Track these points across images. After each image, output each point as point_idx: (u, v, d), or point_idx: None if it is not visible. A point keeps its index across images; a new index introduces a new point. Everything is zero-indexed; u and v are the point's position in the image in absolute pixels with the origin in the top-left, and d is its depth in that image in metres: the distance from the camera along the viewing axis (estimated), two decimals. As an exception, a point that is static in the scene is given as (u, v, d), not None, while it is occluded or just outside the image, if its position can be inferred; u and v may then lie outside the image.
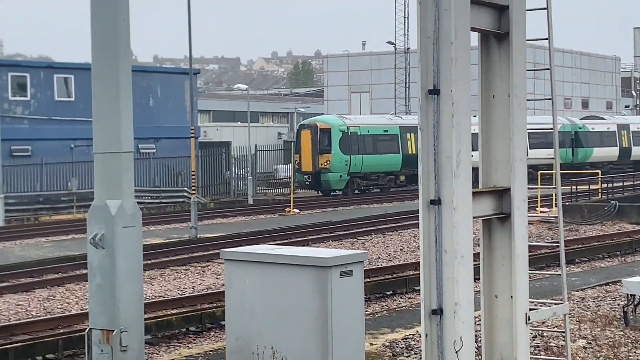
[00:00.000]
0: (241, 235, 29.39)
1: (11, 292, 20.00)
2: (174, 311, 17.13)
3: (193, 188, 32.20)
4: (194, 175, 32.41)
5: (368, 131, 49.39)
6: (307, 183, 49.05)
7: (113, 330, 9.59)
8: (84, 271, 20.24)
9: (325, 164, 47.50)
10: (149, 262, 22.77)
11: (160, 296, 19.41)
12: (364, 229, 31.24)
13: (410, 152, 50.20)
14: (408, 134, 50.67)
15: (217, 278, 21.57)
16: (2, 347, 13.65)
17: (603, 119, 67.59)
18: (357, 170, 48.53)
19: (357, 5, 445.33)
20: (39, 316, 17.35)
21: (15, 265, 23.51)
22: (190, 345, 14.80)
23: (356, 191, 49.47)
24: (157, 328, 15.19)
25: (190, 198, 33.29)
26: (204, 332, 15.61)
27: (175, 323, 15.60)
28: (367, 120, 52.09)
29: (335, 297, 11.06)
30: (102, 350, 9.65)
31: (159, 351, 14.36)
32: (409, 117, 54.25)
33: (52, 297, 19.42)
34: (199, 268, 23.48)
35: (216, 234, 30.57)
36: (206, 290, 20.02)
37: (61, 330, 15.48)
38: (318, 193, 50.03)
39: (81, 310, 17.34)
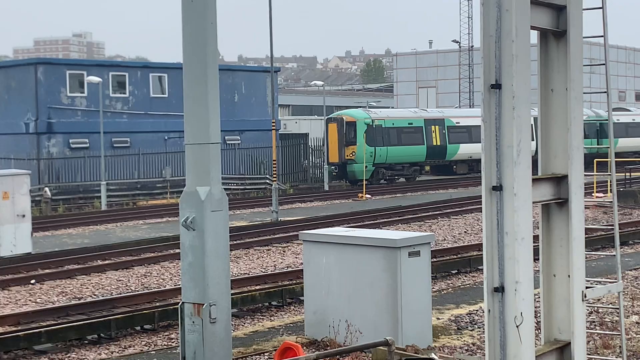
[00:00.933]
0: (318, 218, 29.44)
1: (113, 269, 20.36)
2: (257, 287, 17.26)
3: (274, 176, 32.36)
4: (275, 164, 32.57)
5: (393, 124, 47.34)
6: (334, 174, 46.98)
7: (203, 304, 9.67)
8: (177, 250, 20.53)
9: (351, 155, 45.82)
10: (235, 242, 22.96)
11: (245, 273, 19.57)
12: (430, 213, 31.03)
13: (434, 143, 48.74)
14: (432, 127, 48.90)
15: (296, 257, 21.65)
16: (105, 318, 13.94)
17: (629, 110, 65.46)
18: (382, 161, 46.73)
19: (424, 7, 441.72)
20: (138, 291, 17.63)
21: (116, 245, 23.91)
22: (272, 318, 14.89)
23: (382, 181, 47.27)
24: (242, 302, 15.32)
25: (271, 185, 33.46)
26: (285, 307, 15.68)
27: (258, 298, 15.71)
28: (392, 114, 49.86)
29: (404, 276, 11.02)
30: (193, 322, 9.75)
31: (244, 323, 14.49)
32: (434, 111, 51.97)
33: (149, 274, 19.71)
34: (280, 248, 23.60)
35: (295, 217, 30.69)
36: (286, 268, 20.11)
37: (157, 304, 15.71)
38: (345, 183, 48.20)
39: (175, 285, 17.58)
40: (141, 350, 12.70)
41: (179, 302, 10.07)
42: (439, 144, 48.96)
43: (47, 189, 37.45)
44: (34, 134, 42.37)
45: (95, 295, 17.33)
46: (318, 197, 40.31)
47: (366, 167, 44.87)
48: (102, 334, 13.49)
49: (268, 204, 34.28)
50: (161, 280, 18.89)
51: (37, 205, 34.29)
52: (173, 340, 13.14)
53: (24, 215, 22.28)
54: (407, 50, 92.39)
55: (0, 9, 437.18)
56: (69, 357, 12.54)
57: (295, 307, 15.57)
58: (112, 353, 12.71)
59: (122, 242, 24.93)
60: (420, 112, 50.21)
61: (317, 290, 11.84)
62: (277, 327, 13.39)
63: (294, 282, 17.19)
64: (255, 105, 48.61)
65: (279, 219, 30.00)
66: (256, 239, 25.12)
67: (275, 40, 31.90)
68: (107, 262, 21.42)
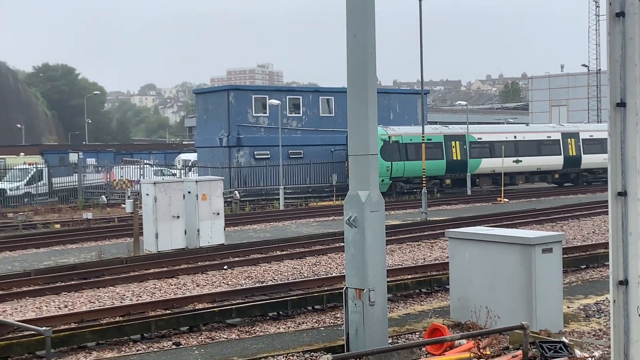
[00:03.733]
0: (462, 218, 29.01)
1: (289, 259, 20.76)
2: (409, 276, 17.19)
3: (423, 182, 32.10)
4: (424, 171, 32.33)
5: (410, 140, 42.25)
6: None
7: (363, 289, 9.74)
8: (342, 244, 20.75)
9: None
10: (390, 238, 22.96)
11: (399, 264, 19.52)
12: (562, 215, 29.95)
13: (454, 158, 43.73)
14: (452, 142, 44.01)
15: (442, 252, 21.42)
16: (283, 299, 14.24)
17: None
18: (399, 175, 42.16)
19: (556, 35, 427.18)
20: (309, 277, 17.88)
21: (291, 239, 24.33)
22: (422, 303, 14.80)
23: (400, 194, 42.58)
24: (396, 289, 15.29)
25: (420, 189, 33.25)
26: (433, 293, 15.55)
27: (410, 285, 15.64)
28: (411, 130, 43.91)
29: (538, 269, 10.73)
30: (355, 304, 9.83)
31: (397, 307, 14.46)
32: (456, 127, 46.33)
33: (318, 263, 19.97)
34: (429, 244, 23.41)
35: (442, 218, 30.36)
36: (434, 261, 19.93)
37: (325, 288, 15.89)
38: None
39: (340, 273, 17.73)
40: (312, 327, 12.91)
41: (343, 287, 10.16)
42: (459, 158, 43.98)
43: (236, 192, 38.72)
44: (226, 147, 43.93)
45: (274, 279, 17.73)
46: (461, 200, 39.70)
47: (383, 180, 40.83)
48: (280, 312, 13.78)
49: (418, 206, 34.07)
50: (328, 269, 19.09)
51: (228, 205, 35.41)
52: (338, 319, 13.27)
53: (218, 213, 23.11)
54: (541, 73, 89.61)
55: (200, 45, 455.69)
56: (254, 330, 12.90)
57: (441, 294, 15.42)
58: (288, 328, 12.98)
59: (297, 236, 25.33)
60: (440, 129, 45.28)
61: (461, 280, 11.70)
62: (427, 310, 13.30)
63: (441, 272, 17.02)
64: (408, 122, 48.44)
65: (428, 218, 29.78)
66: (408, 235, 25.03)
67: (425, 66, 31.74)
68: (284, 252, 21.86)
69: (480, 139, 44.86)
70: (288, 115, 45.61)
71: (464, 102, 56.24)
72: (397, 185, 42.68)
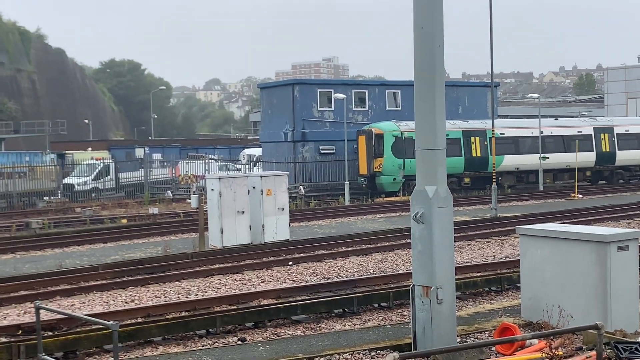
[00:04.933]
0: (533, 215, 28.55)
1: (354, 255, 20.78)
2: (478, 274, 17.02)
3: (493, 177, 31.69)
4: (494, 166, 31.92)
5: None
6: (363, 185, 41.37)
7: (431, 287, 9.67)
8: (408, 240, 20.68)
9: (378, 167, 40.36)
10: (459, 235, 22.76)
11: (467, 262, 19.34)
12: (639, 212, 29.18)
13: (473, 154, 42.00)
14: (472, 138, 42.23)
15: (513, 249, 21.14)
16: (349, 295, 14.25)
17: None
18: (413, 173, 39.75)
19: (633, 26, 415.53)
20: (375, 273, 17.88)
21: (357, 235, 24.35)
22: (492, 301, 14.64)
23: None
24: (465, 287, 15.16)
25: (491, 185, 32.84)
26: (503, 292, 15.36)
27: (479, 283, 15.48)
28: None
29: (613, 267, 10.50)
30: (422, 302, 9.78)
31: (466, 305, 14.34)
32: (476, 122, 43.83)
33: (384, 260, 19.95)
34: (499, 241, 23.13)
35: (512, 214, 29.94)
36: (505, 258, 19.68)
37: (392, 285, 15.87)
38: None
39: (406, 270, 17.68)
40: (379, 324, 12.90)
41: (410, 285, 10.13)
42: (480, 155, 42.44)
43: (301, 187, 38.92)
44: (291, 142, 44.21)
45: (340, 276, 17.78)
46: (533, 196, 39.07)
47: (395, 179, 40.13)
48: (346, 309, 13.81)
49: (488, 202, 33.67)
50: (395, 265, 19.05)
51: (293, 201, 35.60)
52: (405, 317, 13.24)
53: (283, 209, 23.27)
54: (617, 64, 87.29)
55: (267, 40, 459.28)
56: (319, 326, 12.96)
57: (512, 292, 15.22)
58: (354, 325, 13.00)
59: (362, 232, 25.34)
60: (459, 124, 42.96)
61: (532, 278, 11.52)
62: (496, 309, 13.15)
63: (511, 270, 16.79)
64: (477, 116, 47.85)
65: (498, 215, 29.40)
66: (477, 232, 24.77)
67: (495, 57, 31.30)
68: (350, 248, 21.89)
69: (503, 134, 43.12)
70: (354, 109, 45.60)
71: (536, 95, 55.27)
72: (411, 184, 40.24)
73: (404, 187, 40.48)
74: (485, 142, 42.54)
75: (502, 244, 22.54)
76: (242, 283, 17.10)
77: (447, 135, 40.72)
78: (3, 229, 29.53)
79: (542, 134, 43.70)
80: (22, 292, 16.40)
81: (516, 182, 44.03)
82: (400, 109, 46.56)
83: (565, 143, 44.88)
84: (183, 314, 13.84)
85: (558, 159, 44.24)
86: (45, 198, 41.49)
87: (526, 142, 43.77)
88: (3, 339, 12.27)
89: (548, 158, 43.65)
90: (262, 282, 17.20)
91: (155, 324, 12.24)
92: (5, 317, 14.08)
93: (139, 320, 13.29)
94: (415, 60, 9.99)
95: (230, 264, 19.54)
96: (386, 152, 40.42)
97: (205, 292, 16.17)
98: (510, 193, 41.81)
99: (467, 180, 42.47)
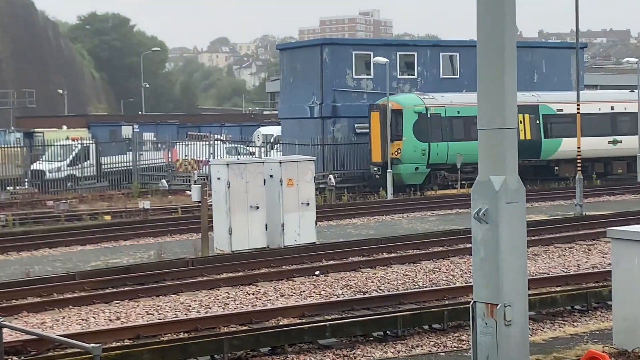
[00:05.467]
0: (629, 213, 28.33)
1: (399, 263, 20.80)
2: (558, 288, 16.98)
3: (578, 164, 31.45)
4: (579, 151, 31.71)
5: (458, 112, 39.42)
6: (377, 176, 40.24)
7: (497, 304, 9.64)
8: (468, 245, 20.55)
9: (396, 153, 38.92)
10: (533, 238, 22.67)
11: (544, 273, 19.28)
12: None
13: (522, 137, 40.03)
14: (520, 115, 39.36)
15: (603, 257, 21.02)
16: (391, 315, 14.29)
17: None
18: (441, 161, 39.49)
19: None
20: (425, 287, 17.91)
21: (402, 237, 24.34)
22: (575, 323, 14.59)
23: (443, 187, 39.83)
24: (541, 305, 15.11)
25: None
26: (590, 311, 15.31)
27: (559, 300, 15.42)
28: (458, 99, 40.53)
29: None
30: (486, 324, 9.76)
31: (542, 328, 14.31)
32: (526, 94, 41.42)
33: (437, 269, 19.94)
34: (584, 246, 23.01)
35: (602, 212, 29.75)
36: (592, 269, 19.59)
37: (446, 302, 15.88)
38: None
39: (465, 283, 17.68)
40: (429, 351, 12.92)
41: (470, 301, 10.13)
42: (529, 138, 41.33)
43: (331, 176, 38.95)
44: (318, 118, 44.25)
45: (380, 289, 17.82)
46: (630, 190, 38.77)
47: (417, 168, 39.18)
48: (388, 331, 13.85)
49: (571, 197, 33.49)
50: (450, 277, 19.04)
51: (321, 193, 35.64)
52: (463, 342, 13.24)
53: (308, 204, 23.34)
54: None
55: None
56: (354, 353, 13.00)
57: (601, 312, 15.17)
58: (398, 352, 13.02)
59: (409, 234, 25.36)
60: None
61: (628, 294, 11.46)
62: (581, 334, 13.12)
63: (601, 284, 16.71)
64: (557, 86, 47.52)
65: (584, 213, 29.23)
66: (557, 235, 24.66)
67: (581, 12, 31.03)
68: (392, 255, 21.92)
69: (561, 110, 42.12)
70: (399, 77, 45.51)
71: (634, 59, 54.77)
72: (437, 175, 40.36)
73: (429, 179, 39.97)
74: (538, 121, 41.53)
75: (589, 250, 22.44)
76: (256, 297, 17.21)
77: None
78: (-44, 226, 29.94)
79: (613, 111, 42.64)
80: (-20, 306, 16.64)
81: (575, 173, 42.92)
82: (458, 76, 46.41)
83: None
84: (182, 335, 13.95)
85: (634, 143, 42.73)
86: (8, 188, 41.99)
87: (592, 121, 42.17)
88: (-44, 365, 12.46)
89: (620, 142, 42.73)
90: (281, 296, 17.29)
91: (146, 347, 12.37)
92: (-41, 338, 14.27)
93: (127, 342, 13.43)
94: (478, 15, 9.95)
95: (240, 273, 19.66)
96: (406, 133, 39.29)
97: (210, 308, 16.29)
98: (600, 185, 41.49)
99: None
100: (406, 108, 39.49)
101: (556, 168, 42.37)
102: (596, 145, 42.11)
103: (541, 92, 43.50)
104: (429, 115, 39.39)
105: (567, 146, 41.34)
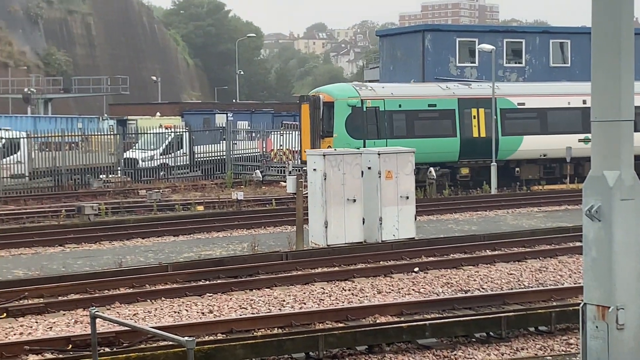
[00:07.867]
0: None
1: (503, 261, 20.61)
2: (674, 292, 16.59)
3: None
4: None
5: (399, 106, 36.19)
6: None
7: (609, 307, 9.53)
8: (577, 244, 20.32)
9: None
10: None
11: (659, 275, 18.87)
12: None
13: (474, 134, 37.38)
14: (473, 110, 37.36)
15: None
16: (495, 315, 14.18)
17: None
18: None
19: None
20: (531, 287, 17.72)
21: (507, 234, 24.12)
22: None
23: None
24: (655, 309, 14.80)
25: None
26: None
27: (675, 305, 15.08)
28: (401, 91, 37.53)
29: None
30: (597, 327, 9.65)
31: (657, 333, 14.02)
32: (484, 86, 38.83)
33: (544, 269, 19.70)
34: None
35: None
36: None
37: (554, 303, 15.70)
38: None
39: (574, 283, 17.45)
40: (535, 355, 12.80)
41: (579, 303, 10.02)
42: (482, 135, 37.71)
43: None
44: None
45: (483, 288, 17.69)
46: None
47: None
48: (491, 333, 13.75)
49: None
50: (558, 277, 18.81)
51: (421, 187, 35.33)
52: (572, 346, 13.08)
53: (407, 197, 23.26)
54: None
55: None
56: (455, 355, 12.95)
57: None
58: (502, 355, 12.93)
59: (514, 231, 25.14)
60: (453, 89, 38.07)
61: None
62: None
63: None
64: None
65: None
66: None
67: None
68: (496, 252, 21.74)
69: (523, 104, 38.73)
70: (505, 65, 45.12)
71: None
72: None
73: None
74: (495, 116, 37.57)
75: None
76: (353, 294, 17.25)
77: (434, 105, 36.93)
78: (49, 214, 30.74)
79: (585, 105, 37.31)
80: (73, 296, 17.07)
81: (543, 174, 39.49)
82: (569, 65, 45.78)
83: None
84: (275, 331, 14.09)
85: None
86: (101, 176, 42.94)
87: (559, 117, 38.87)
88: (49, 355, 12.82)
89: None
90: (379, 293, 17.30)
91: (240, 342, 12.51)
92: (51, 328, 14.67)
93: (219, 337, 13.62)
94: (593, 0, 9.81)
95: (336, 268, 19.73)
96: (338, 129, 35.82)
97: (304, 303, 16.39)
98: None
99: (464, 171, 38.41)
100: (338, 100, 36.05)
101: (517, 169, 39.03)
102: (564, 144, 38.28)
103: (500, 83, 39.68)
104: (364, 109, 35.93)
105: (529, 145, 38.72)
